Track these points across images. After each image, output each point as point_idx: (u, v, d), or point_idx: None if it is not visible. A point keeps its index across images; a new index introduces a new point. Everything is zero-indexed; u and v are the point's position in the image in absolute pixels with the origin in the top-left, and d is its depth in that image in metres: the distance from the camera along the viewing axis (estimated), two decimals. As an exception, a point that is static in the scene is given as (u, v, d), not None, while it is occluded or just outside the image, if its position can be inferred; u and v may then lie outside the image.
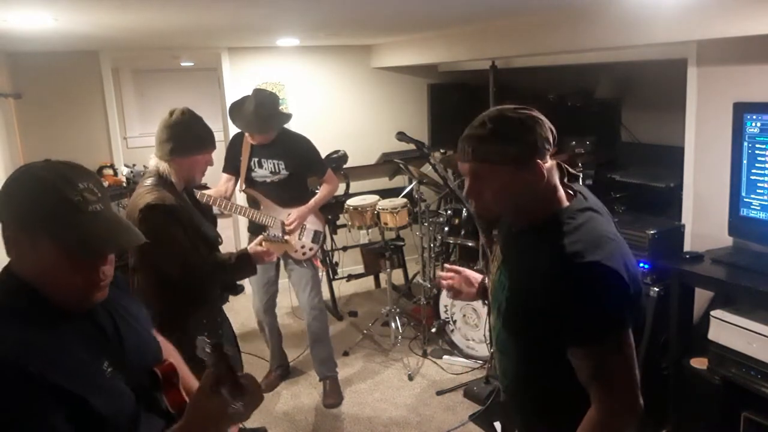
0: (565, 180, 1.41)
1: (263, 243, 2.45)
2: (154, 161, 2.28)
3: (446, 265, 1.86)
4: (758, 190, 2.66)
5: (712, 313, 2.65)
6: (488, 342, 1.68)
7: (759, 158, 2.64)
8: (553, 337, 1.32)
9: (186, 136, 2.26)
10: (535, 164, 1.32)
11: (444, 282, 1.84)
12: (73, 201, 1.10)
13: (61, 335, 1.12)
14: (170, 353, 1.49)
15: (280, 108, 3.40)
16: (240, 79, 5.05)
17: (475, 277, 1.82)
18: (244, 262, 2.39)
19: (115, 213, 1.19)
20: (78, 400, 1.05)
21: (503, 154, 1.32)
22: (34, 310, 1.11)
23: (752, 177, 2.68)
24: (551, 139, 1.36)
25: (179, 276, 2.19)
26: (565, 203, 1.38)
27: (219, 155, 3.57)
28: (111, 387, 1.14)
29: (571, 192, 1.42)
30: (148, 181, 2.23)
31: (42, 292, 1.12)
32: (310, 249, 3.47)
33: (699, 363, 2.75)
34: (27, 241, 1.10)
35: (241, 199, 3.96)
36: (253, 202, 3.42)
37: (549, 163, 1.36)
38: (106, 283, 1.18)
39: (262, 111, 3.21)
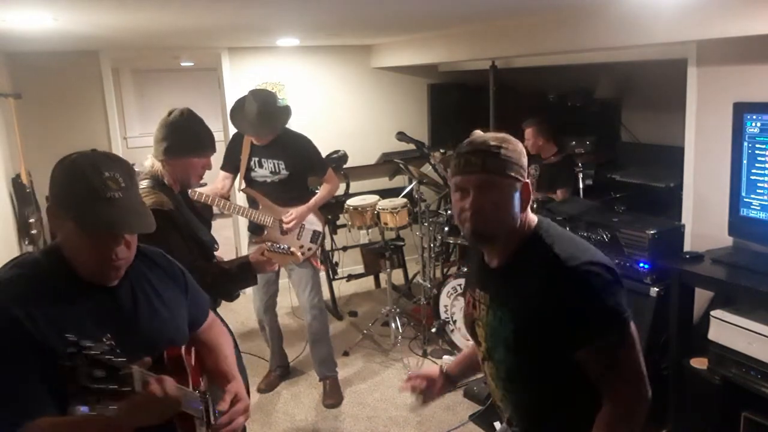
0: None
1: (266, 253, 2.31)
2: (149, 161, 2.21)
3: (409, 375, 1.78)
4: (758, 190, 2.66)
5: (712, 313, 2.65)
6: (499, 388, 1.59)
7: (759, 158, 2.64)
8: (566, 344, 1.35)
9: (182, 136, 2.18)
10: (527, 184, 1.43)
11: (414, 392, 1.75)
12: (95, 187, 1.25)
13: (75, 303, 1.28)
14: (217, 343, 1.64)
15: (279, 105, 3.38)
16: (240, 79, 5.05)
17: (432, 372, 1.78)
18: (245, 272, 2.29)
19: (135, 202, 1.32)
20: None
21: (509, 168, 1.39)
22: (62, 278, 1.29)
23: (752, 177, 2.68)
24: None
25: None
26: (534, 221, 1.48)
27: (217, 153, 3.58)
28: None
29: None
30: (144, 183, 2.12)
31: (71, 264, 1.31)
32: (309, 249, 3.47)
33: (699, 363, 2.74)
34: (60, 219, 1.29)
35: (240, 198, 3.96)
36: (252, 202, 3.41)
37: None
38: (119, 264, 1.32)
39: (265, 112, 3.20)
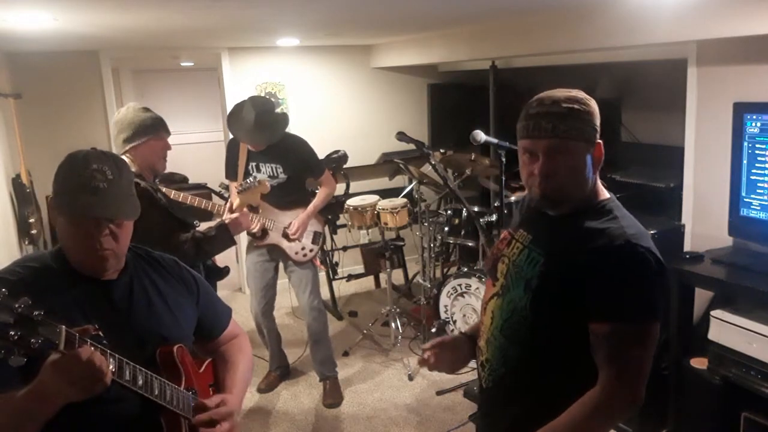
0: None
1: (239, 197, 2.51)
2: None
3: (423, 346, 1.71)
4: (758, 190, 2.66)
5: (712, 313, 2.65)
6: (491, 332, 1.53)
7: (759, 158, 2.64)
8: (583, 309, 1.32)
9: (135, 124, 2.38)
10: (599, 145, 1.40)
11: (427, 366, 1.70)
12: (82, 177, 1.30)
13: (66, 293, 1.31)
14: (233, 359, 1.64)
15: (276, 112, 3.36)
16: (240, 79, 5.05)
17: (455, 340, 1.72)
18: (223, 233, 2.46)
19: (120, 193, 1.35)
20: None
21: (580, 131, 1.36)
22: (59, 270, 1.34)
23: (752, 177, 2.68)
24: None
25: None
26: (607, 195, 1.45)
27: (215, 155, 3.58)
28: None
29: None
30: None
31: (67, 258, 1.35)
32: (311, 250, 3.47)
33: (699, 363, 2.74)
34: (55, 211, 1.35)
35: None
36: (252, 207, 3.40)
37: None
38: (104, 254, 1.33)
39: (263, 122, 3.18)
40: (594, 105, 1.40)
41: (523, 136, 1.40)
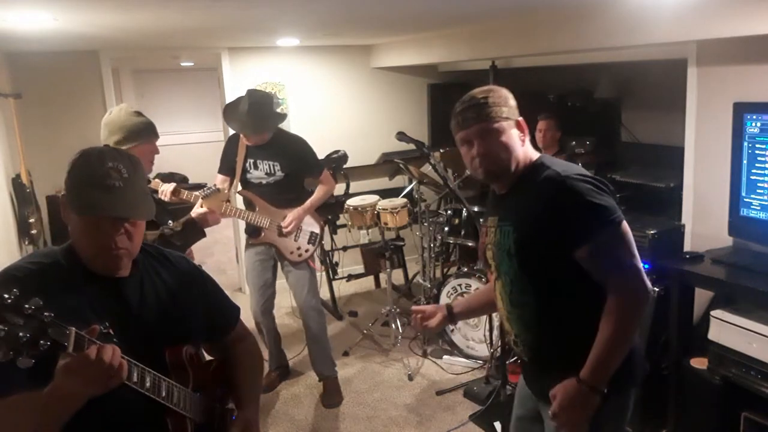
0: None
1: (203, 203, 2.58)
2: None
3: (413, 308, 2.00)
4: (758, 190, 2.66)
5: (712, 313, 2.65)
6: (506, 308, 1.75)
7: (759, 158, 2.64)
8: (564, 246, 1.53)
9: (127, 128, 2.40)
10: (519, 121, 1.64)
11: (418, 324, 1.97)
12: (96, 175, 1.28)
13: (77, 291, 1.30)
14: (241, 361, 1.63)
15: (274, 108, 3.36)
16: (240, 79, 5.05)
17: (435, 306, 1.99)
18: (191, 227, 2.51)
19: (136, 193, 1.34)
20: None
21: (500, 113, 1.61)
22: (70, 268, 1.32)
23: (752, 177, 2.68)
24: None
25: None
26: (536, 155, 1.68)
27: (215, 155, 3.58)
28: None
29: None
30: None
31: (78, 254, 1.33)
32: (306, 251, 3.47)
33: (699, 363, 2.74)
34: (67, 208, 1.32)
35: (238, 200, 3.96)
36: (248, 204, 3.41)
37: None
38: (119, 252, 1.32)
39: (256, 111, 3.19)
40: (506, 92, 1.65)
41: (456, 131, 1.66)
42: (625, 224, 1.53)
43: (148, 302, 1.40)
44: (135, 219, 1.33)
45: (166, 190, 2.84)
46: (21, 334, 1.03)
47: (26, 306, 1.05)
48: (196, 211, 2.57)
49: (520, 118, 1.65)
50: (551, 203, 1.54)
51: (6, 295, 1.04)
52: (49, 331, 1.07)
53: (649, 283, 1.52)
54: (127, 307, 1.36)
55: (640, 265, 1.53)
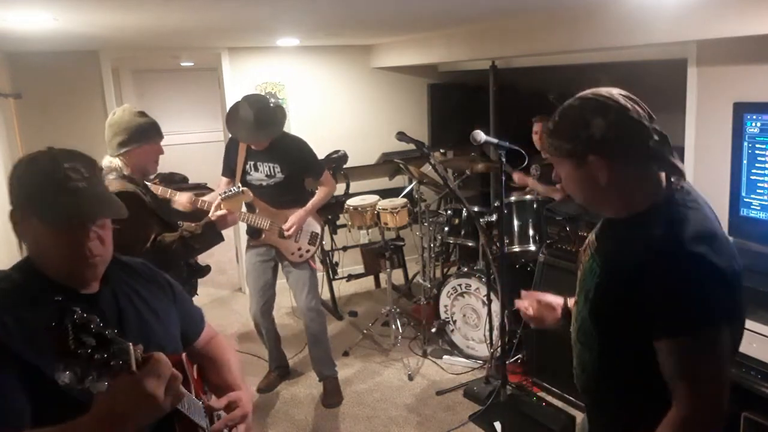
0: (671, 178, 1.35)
1: (222, 204, 2.57)
2: (106, 161, 2.40)
3: (524, 292, 1.73)
4: (758, 190, 2.66)
5: (712, 313, 2.64)
6: (573, 335, 1.53)
7: (759, 158, 2.64)
8: (641, 327, 1.26)
9: (131, 128, 2.39)
10: (592, 161, 1.29)
11: (524, 313, 1.73)
12: (55, 179, 1.18)
13: (50, 311, 1.15)
14: (221, 356, 1.57)
15: (276, 110, 3.35)
16: (240, 79, 5.05)
17: (556, 301, 1.70)
18: (210, 230, 2.50)
19: (101, 190, 1.26)
20: (35, 370, 1.10)
21: (559, 148, 1.33)
22: (37, 289, 1.20)
23: (752, 177, 2.67)
24: (631, 128, 1.28)
25: (150, 256, 2.28)
26: (667, 194, 1.32)
27: (215, 155, 3.58)
28: None
29: (677, 186, 1.34)
30: (110, 176, 2.37)
31: (44, 272, 1.22)
32: (307, 251, 3.47)
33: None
34: (25, 221, 1.21)
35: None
36: (249, 206, 3.41)
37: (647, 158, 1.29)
38: (94, 260, 1.24)
39: (262, 118, 3.18)
40: (587, 113, 1.31)
41: None
42: (720, 330, 1.22)
43: (127, 315, 1.32)
44: (110, 216, 1.26)
45: (181, 200, 2.83)
46: (98, 356, 0.96)
47: (91, 325, 0.98)
48: (215, 213, 2.55)
49: (596, 155, 1.30)
50: (650, 274, 1.23)
51: (76, 313, 0.96)
52: (113, 348, 0.99)
53: (724, 405, 1.23)
54: (108, 323, 1.26)
55: (725, 381, 1.24)
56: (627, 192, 1.32)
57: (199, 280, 2.72)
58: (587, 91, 1.35)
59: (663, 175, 1.33)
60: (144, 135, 2.41)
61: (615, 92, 1.32)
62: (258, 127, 3.18)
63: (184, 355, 1.38)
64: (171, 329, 1.44)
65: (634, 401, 1.35)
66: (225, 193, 2.67)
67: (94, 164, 1.28)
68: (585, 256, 1.49)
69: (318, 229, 3.53)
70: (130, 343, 1.04)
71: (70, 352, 0.94)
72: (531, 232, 3.73)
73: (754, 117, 2.64)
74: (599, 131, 1.27)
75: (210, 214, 2.55)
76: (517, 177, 4.02)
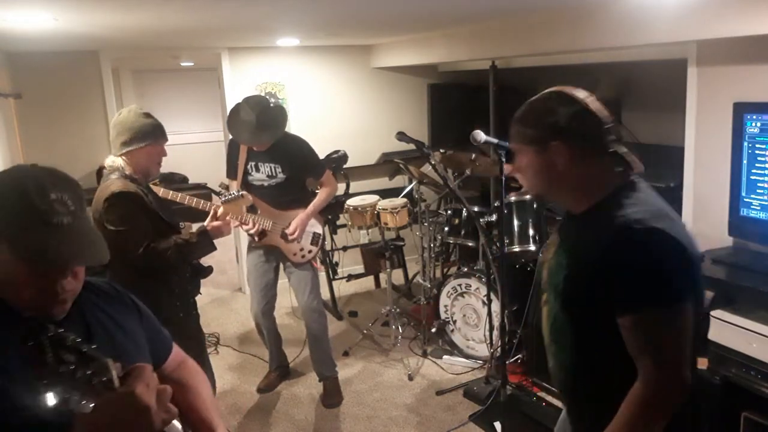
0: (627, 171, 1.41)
1: (222, 206, 2.57)
2: (110, 160, 2.42)
3: None
4: (758, 190, 2.66)
5: (712, 313, 2.64)
6: (546, 337, 1.57)
7: (759, 158, 2.64)
8: (610, 310, 1.30)
9: (135, 129, 2.40)
10: (554, 146, 1.37)
11: None
12: (39, 209, 1.06)
13: (13, 346, 1.02)
14: (192, 382, 1.46)
15: (277, 111, 3.35)
16: (240, 79, 5.05)
17: None
18: (204, 239, 2.50)
19: (86, 228, 1.15)
20: (3, 398, 1.02)
21: (524, 134, 1.42)
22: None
23: (752, 177, 2.67)
24: (592, 121, 1.36)
25: (143, 260, 2.33)
26: (622, 185, 1.39)
27: (214, 155, 3.58)
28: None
29: (630, 178, 1.41)
30: (113, 176, 2.39)
31: (4, 298, 1.11)
32: (309, 252, 3.46)
33: (699, 363, 2.72)
34: None
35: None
36: (250, 207, 3.40)
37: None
38: (65, 297, 1.14)
39: (264, 120, 3.18)
40: (550, 101, 1.43)
41: None
42: (683, 305, 1.27)
43: (98, 340, 1.21)
44: (93, 264, 1.13)
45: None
46: (80, 374, 0.89)
47: (69, 340, 0.91)
48: (211, 223, 2.55)
49: (557, 141, 1.38)
50: (609, 253, 1.29)
51: (50, 329, 0.89)
52: (92, 365, 0.92)
53: (687, 376, 1.28)
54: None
55: (687, 354, 1.29)
56: (583, 179, 1.40)
57: (201, 281, 2.73)
58: (554, 88, 1.45)
59: (618, 168, 1.40)
60: (147, 136, 2.42)
61: (581, 92, 1.42)
62: (260, 129, 3.18)
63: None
64: (143, 351, 1.35)
65: (613, 395, 1.36)
66: (225, 197, 2.67)
67: (81, 193, 1.17)
68: (548, 255, 1.54)
69: (320, 230, 3.53)
70: (109, 359, 0.96)
71: (51, 371, 0.87)
72: (531, 232, 3.73)
73: (754, 117, 2.64)
74: (563, 119, 1.37)
75: (205, 223, 2.55)
76: (508, 168, 4.01)
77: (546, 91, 1.44)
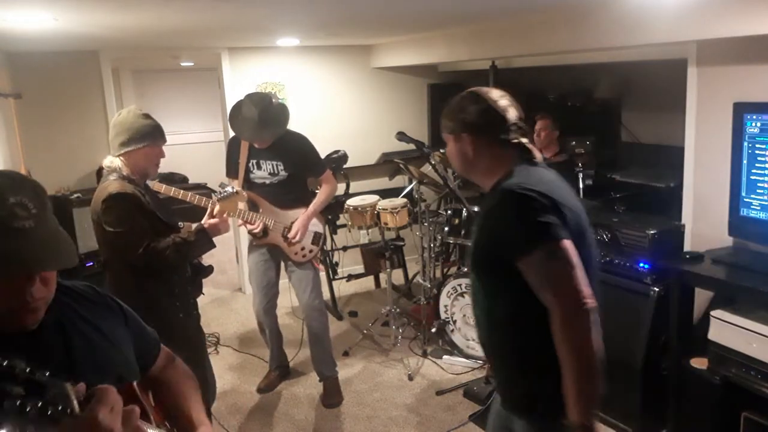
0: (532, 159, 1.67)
1: (218, 204, 2.56)
2: (108, 160, 2.42)
3: None
4: (758, 190, 2.66)
5: (712, 313, 2.64)
6: (471, 307, 1.94)
7: (759, 158, 2.64)
8: (507, 265, 1.51)
9: (135, 130, 2.40)
10: (464, 137, 1.67)
11: None
12: None
13: None
14: (178, 383, 1.44)
15: (279, 108, 3.35)
16: (240, 79, 5.05)
17: None
18: (202, 237, 2.49)
19: (51, 231, 1.09)
20: None
21: (445, 127, 1.73)
22: None
23: (752, 177, 2.68)
24: (498, 118, 1.64)
25: (142, 260, 2.33)
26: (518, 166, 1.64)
27: (214, 155, 3.59)
28: None
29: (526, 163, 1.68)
30: (111, 177, 2.39)
31: None
32: (310, 251, 3.46)
33: (699, 363, 2.74)
34: None
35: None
36: (252, 205, 3.40)
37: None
38: (36, 305, 1.08)
39: (266, 116, 3.18)
40: (464, 101, 1.72)
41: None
42: (563, 243, 1.46)
43: (76, 346, 1.17)
44: (58, 268, 1.09)
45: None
46: (29, 406, 0.84)
47: (17, 370, 0.86)
48: (208, 221, 2.54)
49: (466, 133, 1.67)
50: (492, 216, 1.58)
51: None
52: (48, 393, 0.87)
53: (586, 293, 1.45)
54: (56, 358, 1.13)
55: (578, 282, 1.45)
56: (488, 164, 1.67)
57: (203, 281, 2.73)
58: (472, 88, 1.73)
59: (517, 156, 1.66)
60: (145, 137, 2.41)
61: (494, 92, 1.70)
62: (262, 125, 3.18)
63: (135, 383, 1.23)
64: (126, 354, 1.31)
65: (524, 349, 1.58)
66: (220, 194, 2.65)
67: (44, 195, 1.11)
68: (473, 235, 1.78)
69: (321, 229, 3.53)
70: (67, 383, 0.91)
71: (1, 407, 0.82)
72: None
73: (754, 117, 2.64)
74: (470, 116, 1.66)
75: (203, 221, 2.55)
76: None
77: (467, 89, 1.73)
